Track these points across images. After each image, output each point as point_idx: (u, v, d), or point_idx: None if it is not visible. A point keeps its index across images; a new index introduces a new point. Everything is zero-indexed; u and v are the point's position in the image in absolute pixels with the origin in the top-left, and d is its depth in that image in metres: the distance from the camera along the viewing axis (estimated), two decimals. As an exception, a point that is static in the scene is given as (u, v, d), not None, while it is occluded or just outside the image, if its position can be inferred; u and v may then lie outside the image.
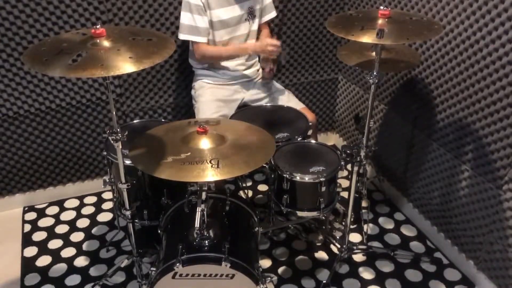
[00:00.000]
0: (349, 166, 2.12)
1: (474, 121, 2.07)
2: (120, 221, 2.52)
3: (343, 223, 2.42)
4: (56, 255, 2.42)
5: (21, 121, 2.55)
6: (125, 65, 1.49)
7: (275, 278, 1.92)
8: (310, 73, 3.04)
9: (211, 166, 1.60)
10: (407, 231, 2.58)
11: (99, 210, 2.75)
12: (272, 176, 2.10)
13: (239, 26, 2.41)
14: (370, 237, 2.52)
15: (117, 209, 2.22)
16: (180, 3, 2.44)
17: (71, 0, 2.35)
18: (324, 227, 2.52)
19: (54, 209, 2.76)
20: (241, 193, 2.80)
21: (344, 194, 2.60)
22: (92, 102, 2.63)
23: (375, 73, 1.92)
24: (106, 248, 2.45)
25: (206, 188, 1.75)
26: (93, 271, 2.32)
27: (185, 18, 2.30)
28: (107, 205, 2.78)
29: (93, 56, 1.52)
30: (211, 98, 2.42)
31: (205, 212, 1.74)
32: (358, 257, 2.39)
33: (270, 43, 2.31)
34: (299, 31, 2.86)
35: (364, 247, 2.42)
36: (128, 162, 1.82)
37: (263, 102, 2.52)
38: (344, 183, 2.76)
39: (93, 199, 2.84)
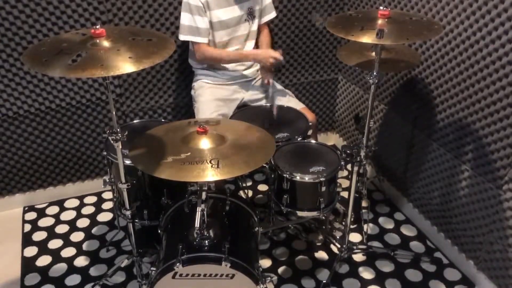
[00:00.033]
0: (349, 166, 2.12)
1: (474, 121, 2.07)
2: (120, 221, 2.52)
3: (343, 223, 2.42)
4: (56, 255, 2.42)
5: (21, 121, 2.55)
6: (125, 65, 1.49)
7: (275, 278, 1.91)
8: (310, 73, 3.04)
9: (211, 166, 1.60)
10: (407, 231, 2.58)
11: (99, 210, 2.75)
12: (272, 176, 2.10)
13: (238, 27, 2.41)
14: (370, 237, 2.52)
15: (117, 209, 2.22)
16: (180, 3, 2.44)
17: (71, 0, 2.35)
18: (324, 227, 2.52)
19: (54, 209, 2.76)
20: (241, 193, 2.80)
21: (344, 194, 2.60)
22: (92, 102, 2.63)
23: (375, 73, 1.92)
24: (106, 248, 2.45)
25: (206, 188, 1.75)
26: (93, 271, 2.32)
27: (185, 19, 2.30)
28: (107, 205, 2.78)
29: (93, 56, 1.52)
30: (211, 97, 2.42)
31: (205, 212, 1.74)
32: (358, 257, 2.39)
33: (274, 56, 2.32)
34: (299, 31, 2.86)
35: (364, 247, 2.42)
36: (128, 162, 1.82)
37: (262, 102, 2.52)
38: (344, 183, 2.76)
39: (93, 199, 2.84)
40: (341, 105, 3.20)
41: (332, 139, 3.35)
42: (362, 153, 2.07)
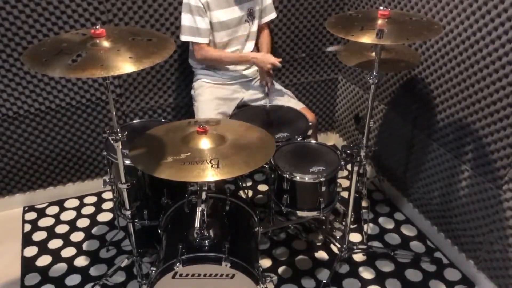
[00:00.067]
0: (349, 166, 2.12)
1: (474, 121, 2.07)
2: (120, 221, 2.52)
3: (343, 223, 2.42)
4: (56, 255, 2.42)
5: (21, 121, 2.55)
6: (125, 65, 1.49)
7: (275, 278, 1.91)
8: (310, 73, 3.04)
9: (211, 166, 1.60)
10: (407, 231, 2.58)
11: (99, 210, 2.75)
12: (272, 176, 2.10)
13: (239, 28, 2.41)
14: (370, 237, 2.52)
15: (117, 209, 2.22)
16: (180, 3, 2.45)
17: (71, 0, 2.35)
18: (324, 227, 2.52)
19: (54, 209, 2.76)
20: (241, 193, 2.80)
21: (344, 194, 2.60)
22: (92, 102, 2.63)
23: (375, 73, 1.92)
24: (106, 248, 2.45)
25: (206, 188, 1.75)
26: (93, 271, 2.32)
27: (186, 19, 2.30)
28: (107, 205, 2.78)
29: (93, 56, 1.52)
30: (211, 96, 2.43)
31: (205, 212, 1.74)
32: (358, 257, 2.39)
33: (272, 62, 2.35)
34: (299, 31, 2.86)
35: (364, 247, 2.42)
36: (128, 162, 1.82)
37: (262, 102, 2.52)
38: (344, 183, 2.76)
39: (93, 199, 2.84)
40: (341, 105, 3.20)
41: (332, 139, 3.35)
42: (362, 153, 2.07)
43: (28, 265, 2.36)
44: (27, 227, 2.62)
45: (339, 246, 2.37)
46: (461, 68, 2.09)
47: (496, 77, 1.92)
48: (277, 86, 2.61)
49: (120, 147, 1.77)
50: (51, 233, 2.57)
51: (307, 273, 2.30)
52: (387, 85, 2.64)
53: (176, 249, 1.72)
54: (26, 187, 2.74)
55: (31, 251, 2.45)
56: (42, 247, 2.47)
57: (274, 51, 2.68)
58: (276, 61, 2.36)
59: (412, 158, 2.54)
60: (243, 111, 2.47)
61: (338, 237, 2.46)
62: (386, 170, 2.81)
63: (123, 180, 1.86)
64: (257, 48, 2.56)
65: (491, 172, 2.03)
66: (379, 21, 1.79)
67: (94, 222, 2.65)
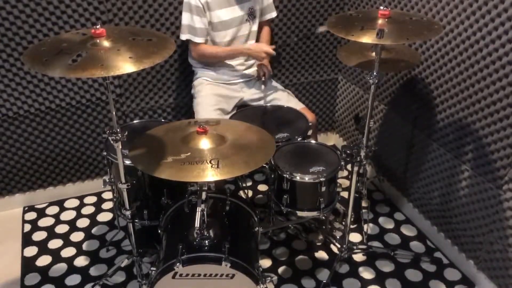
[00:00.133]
0: (349, 166, 2.12)
1: (474, 121, 2.07)
2: (120, 221, 2.52)
3: (343, 223, 2.42)
4: (56, 255, 2.42)
5: (21, 121, 2.55)
6: (125, 65, 1.49)
7: (275, 278, 1.91)
8: (310, 73, 3.04)
9: (211, 166, 1.60)
10: (407, 231, 2.58)
11: (99, 210, 2.75)
12: (272, 176, 2.10)
13: (239, 27, 2.41)
14: (370, 237, 2.52)
15: (117, 209, 2.22)
16: (180, 3, 2.45)
17: (71, 0, 2.35)
18: (324, 227, 2.52)
19: (54, 209, 2.76)
20: (241, 193, 2.80)
21: (344, 194, 2.60)
22: (92, 102, 2.63)
23: (375, 73, 1.92)
24: (106, 248, 2.45)
25: (206, 188, 1.75)
26: (93, 271, 2.32)
27: (186, 18, 2.31)
28: (107, 205, 2.78)
29: (93, 56, 1.52)
30: (210, 92, 2.43)
31: (205, 212, 1.74)
32: (358, 257, 2.39)
33: (265, 50, 2.34)
34: (299, 31, 2.86)
35: (364, 247, 2.42)
36: (128, 162, 1.82)
37: (262, 102, 2.52)
38: (344, 183, 2.76)
39: (93, 199, 2.84)
40: (341, 105, 3.20)
41: (332, 139, 3.35)
42: (362, 153, 2.07)
43: (28, 265, 2.36)
44: (27, 227, 2.62)
45: (339, 246, 2.37)
46: (461, 68, 2.09)
47: (496, 77, 1.92)
48: (278, 85, 2.61)
49: (120, 147, 1.77)
50: (51, 233, 2.57)
51: (307, 273, 2.30)
52: (387, 85, 2.64)
53: (176, 249, 1.72)
54: (26, 187, 2.74)
55: (31, 251, 2.45)
56: (42, 247, 2.47)
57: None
58: (269, 48, 2.34)
59: (412, 158, 2.54)
60: (243, 111, 2.46)
61: (338, 237, 2.46)
62: (386, 170, 2.81)
63: (123, 180, 1.86)
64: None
65: (491, 172, 2.03)
66: (379, 21, 1.79)
67: (94, 222, 2.65)
